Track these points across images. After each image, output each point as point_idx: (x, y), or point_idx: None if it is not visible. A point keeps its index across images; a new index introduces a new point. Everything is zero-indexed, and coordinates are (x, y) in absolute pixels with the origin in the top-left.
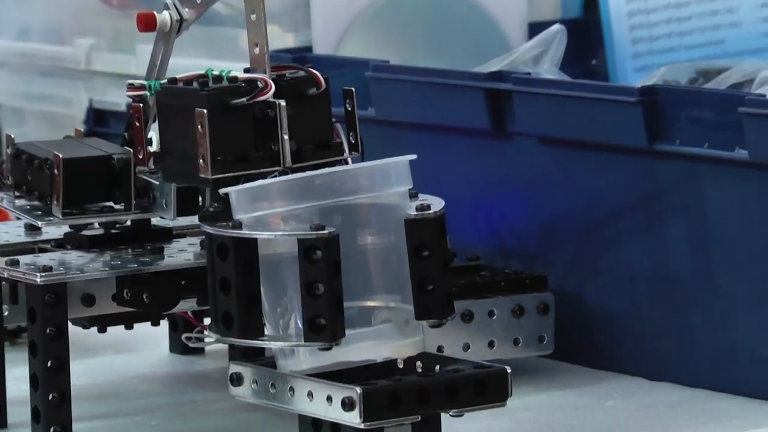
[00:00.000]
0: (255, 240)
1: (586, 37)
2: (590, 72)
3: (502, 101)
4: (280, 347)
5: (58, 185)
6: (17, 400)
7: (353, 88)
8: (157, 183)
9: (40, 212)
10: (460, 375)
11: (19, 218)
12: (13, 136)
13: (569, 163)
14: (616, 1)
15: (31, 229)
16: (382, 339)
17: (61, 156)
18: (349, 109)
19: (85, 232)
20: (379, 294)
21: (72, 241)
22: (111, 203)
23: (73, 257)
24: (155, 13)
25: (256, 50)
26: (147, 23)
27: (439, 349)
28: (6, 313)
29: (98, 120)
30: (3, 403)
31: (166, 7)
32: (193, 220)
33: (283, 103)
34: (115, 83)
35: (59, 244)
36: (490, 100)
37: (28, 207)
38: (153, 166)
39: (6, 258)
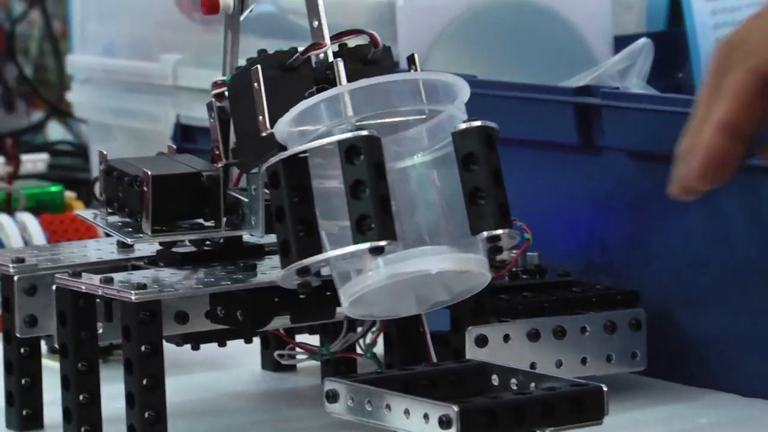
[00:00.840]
0: (304, 161)
1: (671, 50)
2: (677, 85)
3: (591, 116)
4: (333, 255)
5: (148, 202)
6: (112, 418)
7: (415, 53)
8: (246, 200)
9: (131, 229)
10: (557, 393)
11: (109, 235)
12: (105, 152)
13: (659, 177)
14: (702, 14)
15: (124, 246)
16: (438, 253)
17: (150, 173)
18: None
19: (176, 249)
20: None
21: (164, 258)
22: (200, 220)
23: (167, 274)
24: None
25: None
26: (210, 5)
27: (533, 365)
28: (100, 331)
29: (185, 136)
30: (99, 421)
31: None
32: None
33: (341, 62)
34: (202, 99)
35: (152, 261)
36: (579, 115)
37: (119, 224)
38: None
39: (100, 276)
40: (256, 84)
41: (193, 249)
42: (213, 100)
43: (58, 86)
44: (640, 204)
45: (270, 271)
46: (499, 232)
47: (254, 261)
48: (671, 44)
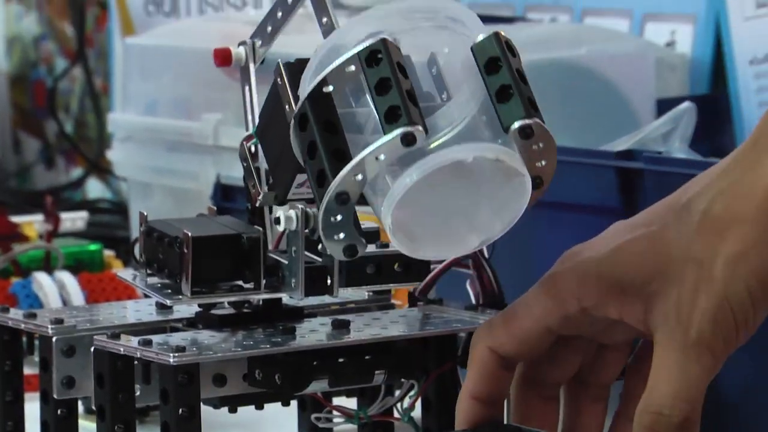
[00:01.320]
0: (329, 96)
1: (714, 113)
2: (719, 149)
3: (634, 180)
4: (366, 154)
5: (187, 263)
6: None
7: None
8: (286, 262)
9: (170, 290)
10: None
11: (148, 296)
12: (145, 213)
13: None
14: (745, 77)
15: (163, 307)
16: (474, 142)
17: (190, 234)
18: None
19: (215, 311)
20: None
21: (203, 320)
22: (240, 282)
23: (205, 337)
24: (231, 48)
25: None
26: (223, 57)
27: None
28: (138, 393)
29: (225, 195)
30: None
31: (242, 42)
32: (323, 299)
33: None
34: None
35: (190, 323)
36: (621, 179)
37: (159, 285)
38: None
39: (138, 338)
40: (279, 79)
41: (232, 311)
42: (243, 143)
43: (98, 143)
44: None
45: (309, 334)
46: (530, 121)
47: (293, 324)
48: (714, 107)
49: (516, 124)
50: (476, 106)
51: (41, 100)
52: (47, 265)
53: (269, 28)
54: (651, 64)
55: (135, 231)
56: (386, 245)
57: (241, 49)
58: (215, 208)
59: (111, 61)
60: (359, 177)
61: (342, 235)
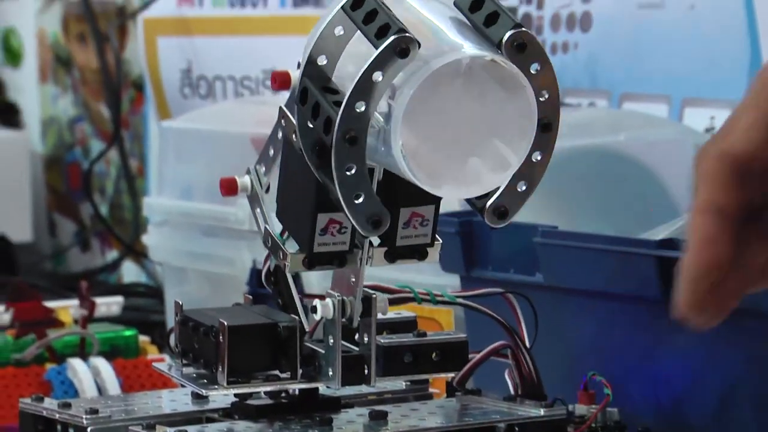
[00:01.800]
0: (323, 68)
1: None
2: None
3: (674, 269)
4: (364, 72)
5: (223, 353)
6: None
7: None
8: (323, 351)
9: (205, 380)
10: None
11: (184, 386)
12: (181, 302)
13: (742, 332)
14: None
15: (198, 397)
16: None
17: (226, 323)
18: None
19: (251, 401)
20: None
21: (239, 410)
22: (276, 372)
23: (242, 428)
24: (236, 177)
25: None
26: (228, 188)
27: None
28: None
29: (261, 281)
30: None
31: (248, 171)
32: (360, 389)
33: None
34: None
35: (227, 414)
36: (661, 268)
37: (194, 375)
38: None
39: (174, 429)
40: (283, 120)
41: (269, 401)
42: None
43: (134, 225)
44: (723, 359)
45: (346, 425)
46: (520, 29)
47: (330, 415)
48: None
49: (507, 35)
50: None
51: (76, 183)
52: (82, 351)
53: (271, 152)
54: (690, 150)
55: (170, 316)
56: (423, 334)
57: (246, 178)
58: (251, 296)
59: (146, 143)
60: (361, 106)
61: (361, 198)
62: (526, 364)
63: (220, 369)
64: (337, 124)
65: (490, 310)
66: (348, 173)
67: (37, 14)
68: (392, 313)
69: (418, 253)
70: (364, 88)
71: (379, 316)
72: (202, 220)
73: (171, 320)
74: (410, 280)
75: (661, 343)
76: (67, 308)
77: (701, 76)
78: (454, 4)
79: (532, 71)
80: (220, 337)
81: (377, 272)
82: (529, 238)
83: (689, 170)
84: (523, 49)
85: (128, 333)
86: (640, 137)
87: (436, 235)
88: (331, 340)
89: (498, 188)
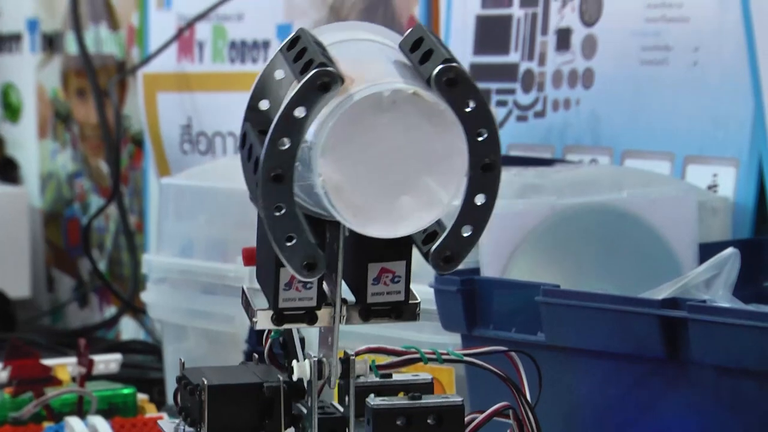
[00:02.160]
0: (264, 113)
1: (757, 257)
2: (761, 293)
3: (677, 329)
4: (288, 101)
5: (204, 412)
6: None
7: None
8: (305, 413)
9: None
10: None
11: None
12: (183, 360)
13: (748, 394)
14: None
15: None
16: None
17: (206, 382)
18: None
19: None
20: None
21: None
22: None
23: None
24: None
25: None
26: (248, 258)
27: None
28: None
29: (260, 339)
30: None
31: None
32: None
33: None
34: None
35: None
36: (665, 328)
37: None
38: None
39: None
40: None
41: None
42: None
43: (132, 282)
44: (727, 420)
45: None
46: (452, 65)
47: None
48: (757, 251)
49: (436, 70)
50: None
51: (75, 238)
52: (80, 409)
53: None
54: (693, 207)
55: (169, 374)
56: (419, 396)
57: None
58: (257, 355)
59: (146, 199)
60: (285, 143)
61: (294, 241)
62: (529, 424)
63: (204, 428)
64: (261, 163)
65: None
66: (277, 214)
67: (37, 69)
68: (410, 375)
69: (394, 311)
70: (287, 124)
71: (396, 377)
72: (201, 277)
73: (170, 378)
74: (410, 338)
75: (662, 401)
76: (65, 366)
77: (704, 134)
78: (399, 45)
79: (467, 109)
80: (203, 396)
81: (378, 331)
82: (531, 296)
83: (692, 228)
84: (454, 84)
85: (126, 391)
86: (643, 194)
87: (413, 292)
88: (309, 402)
89: (443, 233)
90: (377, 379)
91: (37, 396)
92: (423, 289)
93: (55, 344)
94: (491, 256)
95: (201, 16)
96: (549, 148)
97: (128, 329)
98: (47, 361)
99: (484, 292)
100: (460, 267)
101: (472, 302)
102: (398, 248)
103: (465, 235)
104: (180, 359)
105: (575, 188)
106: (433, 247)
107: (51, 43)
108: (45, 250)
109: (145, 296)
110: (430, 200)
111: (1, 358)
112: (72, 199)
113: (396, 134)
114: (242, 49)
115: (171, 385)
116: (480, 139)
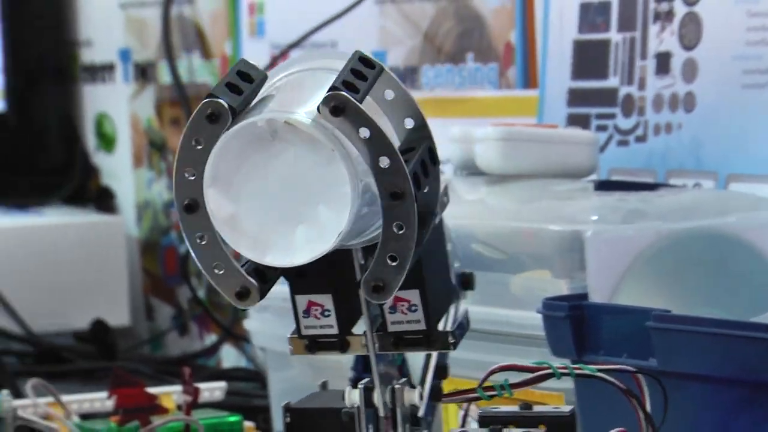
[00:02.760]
0: None
1: None
2: None
3: None
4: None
5: None
6: None
7: None
8: None
9: None
10: None
11: None
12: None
13: None
14: None
15: None
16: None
17: (290, 405)
18: None
19: None
20: None
21: None
22: None
23: None
24: None
25: None
26: None
27: None
28: None
29: (366, 365)
30: None
31: None
32: None
33: None
34: None
35: None
36: None
37: None
38: None
39: None
40: None
41: None
42: None
43: (232, 309)
44: None
45: None
46: (337, 92)
47: None
48: None
49: (323, 97)
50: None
51: (173, 267)
52: None
53: None
54: None
55: (274, 401)
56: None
57: None
58: (350, 375)
59: None
60: (191, 174)
61: (222, 270)
62: None
63: None
64: (174, 194)
65: (603, 395)
66: (200, 242)
67: (130, 99)
68: (550, 407)
69: (425, 340)
70: (188, 155)
71: (537, 409)
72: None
73: (275, 405)
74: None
75: None
76: (169, 394)
77: None
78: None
79: (364, 136)
80: (287, 419)
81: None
82: (641, 322)
83: None
84: (340, 112)
85: (233, 419)
86: (750, 219)
87: (442, 323)
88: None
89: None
90: (518, 410)
91: (144, 425)
92: (531, 315)
93: (156, 372)
94: (599, 282)
95: (294, 45)
96: (651, 173)
97: (229, 357)
98: (150, 390)
99: (593, 318)
100: (568, 293)
101: (581, 328)
102: (408, 277)
103: (392, 264)
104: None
105: (681, 213)
106: (363, 277)
107: (144, 73)
108: (143, 278)
109: (248, 324)
110: (323, 229)
111: (105, 387)
112: (169, 228)
113: (287, 164)
114: None
115: (276, 413)
116: (383, 166)
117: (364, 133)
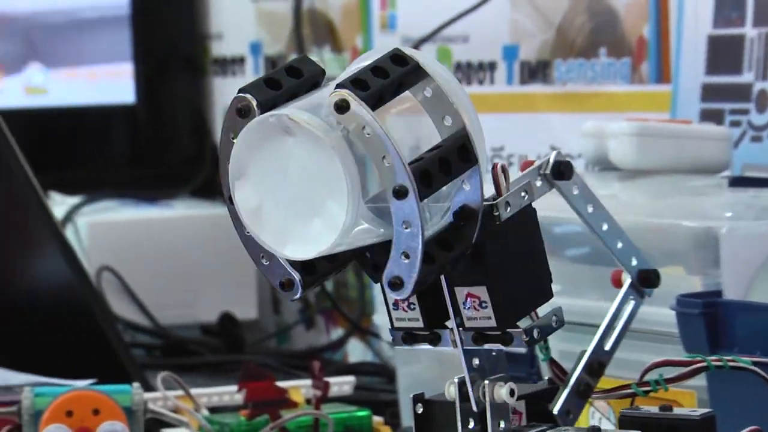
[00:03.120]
0: None
1: None
2: None
3: None
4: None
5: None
6: None
7: None
8: None
9: None
10: None
11: None
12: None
13: None
14: None
15: None
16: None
17: (418, 395)
18: None
19: None
20: None
21: None
22: None
23: None
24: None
25: None
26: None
27: None
28: None
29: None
30: None
31: None
32: None
33: None
34: None
35: None
36: None
37: None
38: None
39: None
40: None
41: None
42: None
43: (360, 303)
44: None
45: None
46: (340, 90)
47: None
48: None
49: (329, 95)
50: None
51: None
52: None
53: None
54: None
55: (403, 396)
56: None
57: None
58: None
59: None
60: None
61: (268, 261)
62: None
63: None
64: (222, 185)
65: (737, 392)
66: (246, 232)
67: None
68: (688, 410)
69: (503, 337)
70: (226, 148)
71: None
72: None
73: (404, 400)
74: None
75: None
76: (298, 388)
77: None
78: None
79: (367, 135)
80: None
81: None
82: None
83: None
84: (343, 110)
85: (362, 413)
86: None
87: (512, 321)
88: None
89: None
90: (657, 411)
91: (273, 419)
92: (664, 312)
93: (282, 366)
94: (733, 279)
95: (426, 38)
96: None
97: (355, 351)
98: (279, 383)
99: (727, 315)
100: (702, 290)
101: (714, 325)
102: (475, 273)
103: (404, 261)
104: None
105: None
106: (383, 274)
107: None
108: None
109: (378, 318)
110: (332, 224)
111: (232, 380)
112: None
113: (300, 159)
114: (468, 71)
115: (405, 407)
116: (386, 165)
117: (368, 131)
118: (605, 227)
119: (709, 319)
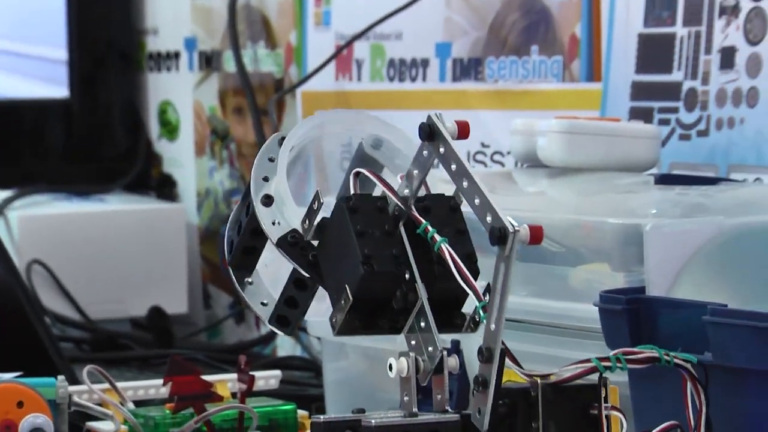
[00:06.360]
0: None
1: None
2: None
3: None
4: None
5: None
6: None
7: None
8: None
9: None
10: None
11: None
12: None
13: None
14: None
15: None
16: None
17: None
18: None
19: None
20: None
21: None
22: None
23: None
24: None
25: None
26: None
27: None
28: None
29: None
30: None
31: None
32: None
33: None
34: None
35: None
36: None
37: None
38: None
39: None
40: None
41: None
42: None
43: None
44: None
45: None
46: None
47: None
48: None
49: None
50: None
51: None
52: (240, 426)
53: None
54: None
55: (329, 391)
56: None
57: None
58: None
59: None
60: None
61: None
62: None
63: None
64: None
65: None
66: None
67: (194, 88)
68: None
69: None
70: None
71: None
72: None
73: (330, 395)
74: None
75: None
76: (224, 382)
77: None
78: None
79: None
80: None
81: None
82: (698, 316)
83: None
84: None
85: (287, 407)
86: None
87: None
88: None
89: None
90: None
91: (198, 412)
92: (588, 308)
93: (212, 360)
94: (657, 276)
95: (360, 35)
96: (713, 168)
97: (285, 346)
98: (206, 377)
99: (650, 312)
100: (626, 286)
101: (637, 321)
102: None
103: None
104: None
105: (742, 208)
106: None
107: (209, 62)
108: (202, 266)
109: (307, 314)
110: None
111: (161, 374)
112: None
113: None
114: (401, 68)
115: (331, 403)
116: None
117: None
118: (465, 184)
119: (632, 316)
